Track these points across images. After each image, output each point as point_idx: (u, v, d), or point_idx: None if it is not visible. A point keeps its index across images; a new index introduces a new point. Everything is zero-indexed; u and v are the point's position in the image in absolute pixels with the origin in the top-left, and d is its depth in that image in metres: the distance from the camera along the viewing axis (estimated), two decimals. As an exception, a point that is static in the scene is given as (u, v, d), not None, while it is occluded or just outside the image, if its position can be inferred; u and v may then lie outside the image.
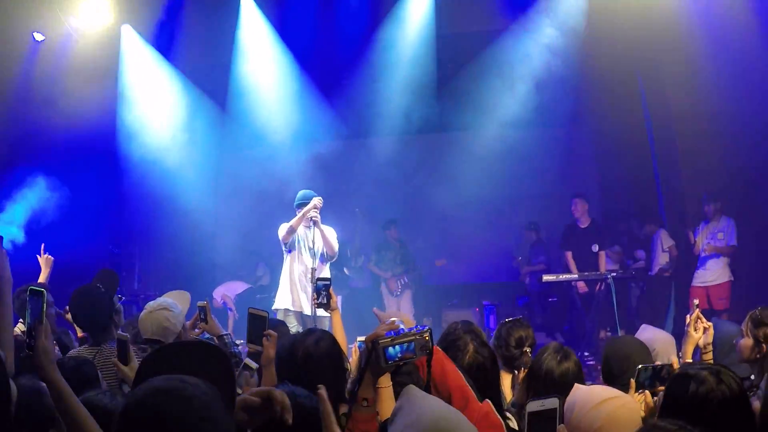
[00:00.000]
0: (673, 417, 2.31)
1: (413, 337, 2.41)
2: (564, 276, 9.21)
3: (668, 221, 10.41)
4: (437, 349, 2.50)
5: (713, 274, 9.07)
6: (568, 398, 2.51)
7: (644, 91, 10.73)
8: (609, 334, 9.05)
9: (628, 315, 9.82)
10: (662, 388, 3.04)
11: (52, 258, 6.08)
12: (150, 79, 10.53)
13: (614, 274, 8.92)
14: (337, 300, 4.54)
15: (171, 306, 4.17)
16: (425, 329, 2.46)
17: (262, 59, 10.64)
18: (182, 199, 10.50)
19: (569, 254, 9.55)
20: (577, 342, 9.14)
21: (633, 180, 11.10)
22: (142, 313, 4.21)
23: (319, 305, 4.45)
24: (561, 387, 2.99)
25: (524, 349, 3.77)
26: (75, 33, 9.44)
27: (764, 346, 3.54)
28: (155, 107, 10.55)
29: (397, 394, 2.38)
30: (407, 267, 10.59)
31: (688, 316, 3.99)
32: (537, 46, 9.98)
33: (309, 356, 2.97)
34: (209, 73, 10.75)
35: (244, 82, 10.72)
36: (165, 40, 10.25)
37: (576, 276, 9.19)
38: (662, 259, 9.99)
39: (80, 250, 9.47)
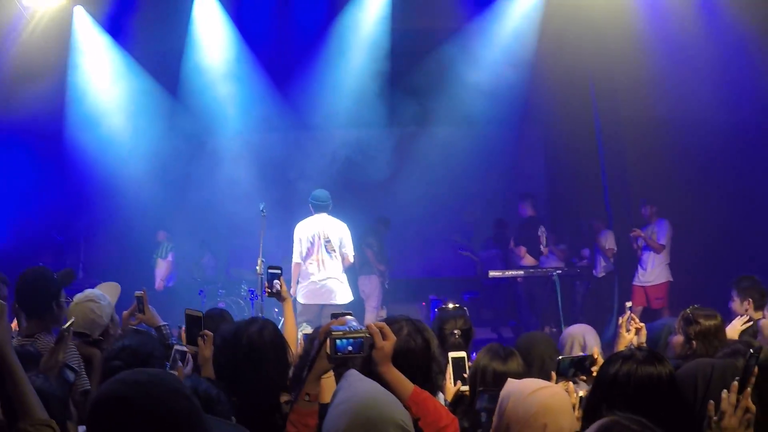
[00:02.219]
0: (599, 393, 2.50)
1: (363, 335, 2.50)
2: (510, 272, 9.35)
3: (614, 221, 10.63)
4: (420, 390, 2.57)
5: (651, 274, 9.42)
6: (503, 390, 2.57)
7: (595, 95, 10.92)
8: (554, 330, 9.23)
9: (573, 312, 10.01)
10: (584, 378, 3.15)
11: None
12: (101, 63, 10.34)
13: (559, 271, 9.09)
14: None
15: (98, 297, 4.09)
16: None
17: (215, 47, 10.53)
18: (130, 187, 10.38)
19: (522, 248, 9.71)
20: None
21: (580, 180, 11.31)
22: (70, 305, 4.11)
23: (271, 294, 4.45)
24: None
25: (454, 331, 3.83)
26: (26, 12, 9.23)
27: (694, 343, 3.69)
28: (105, 92, 10.39)
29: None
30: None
31: (620, 317, 4.15)
32: (490, 46, 10.13)
33: (252, 345, 3.01)
34: (161, 59, 10.55)
35: (196, 70, 10.59)
36: (117, 23, 10.05)
37: (522, 273, 9.34)
38: (605, 262, 10.21)
39: (23, 238, 9.33)
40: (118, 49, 10.34)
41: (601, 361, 3.15)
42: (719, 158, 9.33)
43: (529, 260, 9.71)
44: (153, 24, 10.00)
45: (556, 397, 2.41)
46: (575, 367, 3.19)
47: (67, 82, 10.13)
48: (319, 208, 8.12)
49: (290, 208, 9.80)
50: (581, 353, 3.74)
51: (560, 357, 3.25)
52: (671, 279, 9.40)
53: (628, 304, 4.42)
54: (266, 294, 4.51)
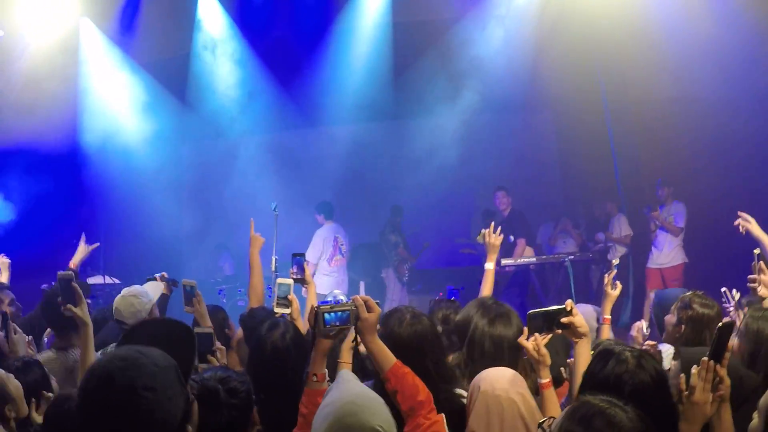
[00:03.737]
0: (591, 390, 2.35)
1: (349, 308, 2.67)
2: (522, 260, 9.36)
3: (626, 204, 10.62)
4: (400, 365, 2.67)
5: (667, 256, 9.32)
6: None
7: (602, 77, 10.86)
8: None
9: (589, 297, 9.99)
10: (559, 331, 3.08)
11: (8, 261, 6.07)
12: (109, 72, 10.49)
13: (572, 257, 9.08)
14: None
15: (141, 294, 4.55)
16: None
17: (220, 49, 10.70)
18: (144, 192, 10.53)
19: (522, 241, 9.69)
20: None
21: (593, 164, 11.26)
22: (118, 296, 4.56)
23: (297, 280, 4.56)
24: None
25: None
26: (34, 27, 9.35)
27: (683, 326, 3.71)
28: (115, 101, 10.54)
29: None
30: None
31: (606, 275, 4.29)
32: (495, 33, 10.11)
33: (276, 349, 3.20)
34: (168, 65, 10.72)
35: (202, 74, 10.79)
36: (124, 32, 10.20)
37: (534, 260, 9.36)
38: (617, 239, 10.17)
39: (44, 246, 9.48)
40: (126, 57, 10.49)
41: (576, 313, 3.08)
42: (730, 136, 9.22)
43: (528, 251, 9.67)
44: (159, 31, 10.14)
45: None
46: (548, 321, 3.09)
47: (78, 94, 10.27)
48: (330, 216, 9.75)
49: (303, 204, 9.93)
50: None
51: (530, 312, 3.14)
52: (686, 260, 9.33)
53: (615, 261, 4.52)
54: (291, 278, 4.58)
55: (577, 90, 10.81)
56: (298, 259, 4.58)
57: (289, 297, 4.18)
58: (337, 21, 10.47)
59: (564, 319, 3.05)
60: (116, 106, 10.54)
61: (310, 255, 9.35)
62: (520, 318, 3.29)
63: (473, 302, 3.44)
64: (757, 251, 4.32)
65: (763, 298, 3.97)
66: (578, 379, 2.82)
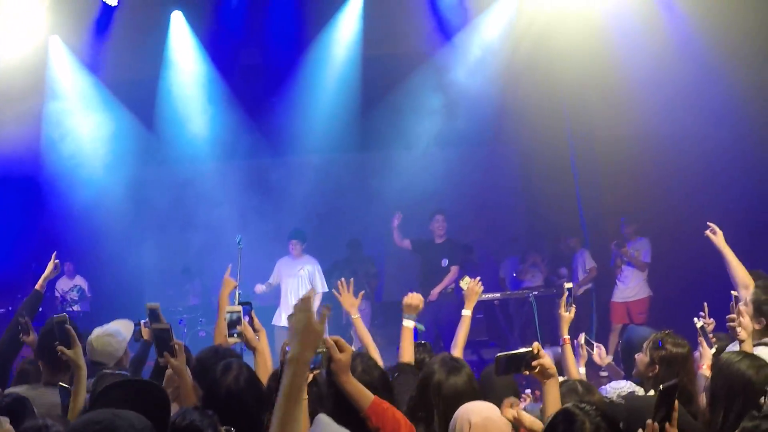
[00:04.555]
0: None
1: (321, 350, 2.63)
2: (487, 295, 9.33)
3: (589, 239, 10.71)
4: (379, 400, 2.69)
5: (633, 290, 9.45)
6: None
7: (568, 113, 11.02)
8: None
9: (553, 331, 10.00)
10: (527, 372, 3.08)
11: None
12: (76, 92, 10.39)
13: (536, 292, 9.15)
14: None
15: (116, 333, 4.50)
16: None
17: (189, 77, 10.65)
18: (107, 218, 10.41)
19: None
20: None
21: (556, 199, 11.38)
22: (90, 337, 4.48)
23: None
24: (450, 401, 3.11)
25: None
26: (2, 44, 9.21)
27: (657, 367, 3.77)
28: (81, 124, 10.41)
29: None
30: None
31: (559, 300, 4.46)
32: (464, 69, 10.20)
33: (230, 393, 3.09)
34: (136, 88, 10.59)
35: (170, 99, 10.71)
36: (93, 53, 10.09)
37: (498, 296, 9.39)
38: (584, 280, 10.22)
39: (2, 271, 9.32)
40: (94, 79, 10.38)
41: (543, 355, 3.07)
42: (695, 173, 9.38)
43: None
44: (128, 54, 10.04)
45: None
46: (515, 363, 3.08)
47: (44, 115, 10.13)
48: None
49: (268, 232, 9.88)
50: None
51: (497, 354, 3.11)
52: (651, 294, 9.48)
53: (568, 285, 4.61)
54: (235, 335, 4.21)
55: (543, 126, 10.98)
56: (246, 308, 4.19)
57: (239, 328, 3.98)
58: (308, 52, 10.50)
59: (534, 362, 3.05)
60: (82, 128, 10.40)
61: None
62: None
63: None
64: (735, 293, 4.41)
65: (741, 340, 3.97)
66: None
